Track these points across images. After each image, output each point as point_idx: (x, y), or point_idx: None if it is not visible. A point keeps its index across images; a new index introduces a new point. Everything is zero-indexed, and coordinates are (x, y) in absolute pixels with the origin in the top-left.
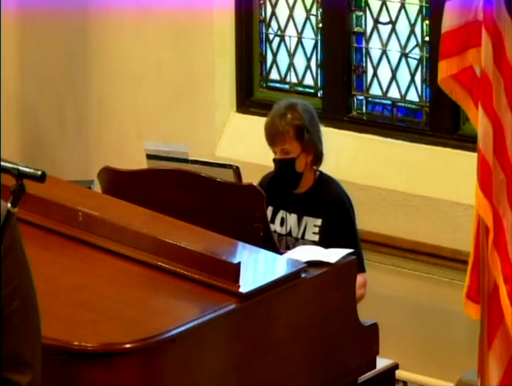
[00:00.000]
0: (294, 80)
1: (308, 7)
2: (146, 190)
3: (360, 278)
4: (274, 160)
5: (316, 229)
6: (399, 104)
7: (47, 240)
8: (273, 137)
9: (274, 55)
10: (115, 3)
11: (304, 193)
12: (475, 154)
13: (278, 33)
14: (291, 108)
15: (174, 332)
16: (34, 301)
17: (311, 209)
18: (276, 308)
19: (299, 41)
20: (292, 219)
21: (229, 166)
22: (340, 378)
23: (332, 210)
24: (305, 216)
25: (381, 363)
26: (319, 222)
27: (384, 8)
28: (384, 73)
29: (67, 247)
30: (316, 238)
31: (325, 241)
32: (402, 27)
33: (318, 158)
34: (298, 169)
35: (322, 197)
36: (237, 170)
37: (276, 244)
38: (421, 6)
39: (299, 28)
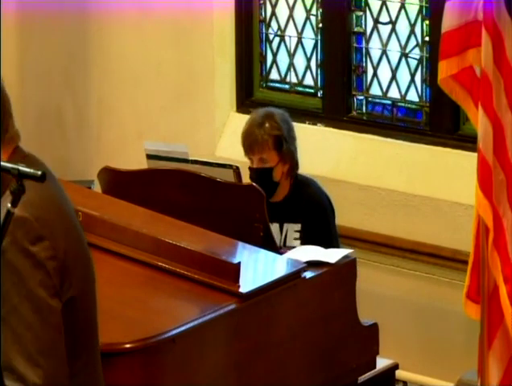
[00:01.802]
0: (294, 80)
1: (308, 7)
2: (146, 190)
3: None
4: (251, 169)
5: (297, 234)
6: (399, 104)
7: None
8: (251, 146)
9: (274, 55)
10: (115, 3)
11: (282, 201)
12: (475, 154)
13: (278, 33)
14: (269, 118)
15: (174, 332)
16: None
17: (290, 215)
18: (276, 308)
19: (299, 41)
20: (274, 228)
21: (229, 166)
22: (340, 378)
23: (310, 212)
24: (285, 223)
25: (381, 363)
26: (298, 226)
27: (384, 8)
28: (384, 73)
29: None
30: (298, 243)
31: (306, 244)
32: (402, 27)
33: (294, 167)
34: (275, 178)
35: (300, 201)
36: (237, 170)
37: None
38: (421, 6)
39: (299, 28)
